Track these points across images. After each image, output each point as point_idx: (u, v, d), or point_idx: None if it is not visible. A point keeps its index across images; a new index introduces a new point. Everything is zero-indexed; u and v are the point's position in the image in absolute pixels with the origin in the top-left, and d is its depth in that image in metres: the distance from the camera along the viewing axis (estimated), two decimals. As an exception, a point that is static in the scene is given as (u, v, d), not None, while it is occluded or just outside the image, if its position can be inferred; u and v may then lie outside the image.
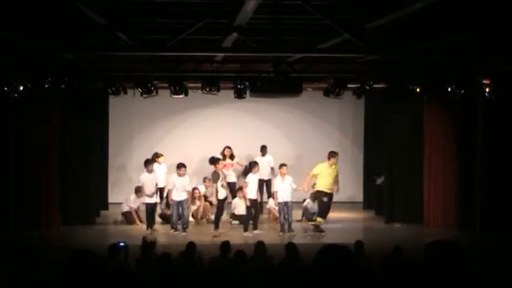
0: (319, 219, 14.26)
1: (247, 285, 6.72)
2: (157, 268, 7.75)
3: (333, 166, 14.28)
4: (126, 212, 15.32)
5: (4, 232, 13.48)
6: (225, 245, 9.20)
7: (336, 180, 14.34)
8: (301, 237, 13.86)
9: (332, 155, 14.35)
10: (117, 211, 16.27)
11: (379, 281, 3.89)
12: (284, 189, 13.96)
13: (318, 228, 14.18)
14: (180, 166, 14.29)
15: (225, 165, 16.16)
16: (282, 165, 14.23)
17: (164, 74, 13.31)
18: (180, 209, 14.24)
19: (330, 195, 14.27)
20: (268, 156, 16.70)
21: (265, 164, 16.28)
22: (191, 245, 9.28)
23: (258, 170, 14.33)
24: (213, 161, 14.92)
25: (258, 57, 12.25)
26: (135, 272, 7.94)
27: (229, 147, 16.36)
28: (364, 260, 8.55)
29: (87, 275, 3.67)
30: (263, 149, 16.86)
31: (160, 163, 15.73)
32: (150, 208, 14.46)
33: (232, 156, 16.29)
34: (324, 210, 14.26)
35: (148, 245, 8.98)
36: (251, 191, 14.09)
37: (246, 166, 14.83)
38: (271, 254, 9.18)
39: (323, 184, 14.19)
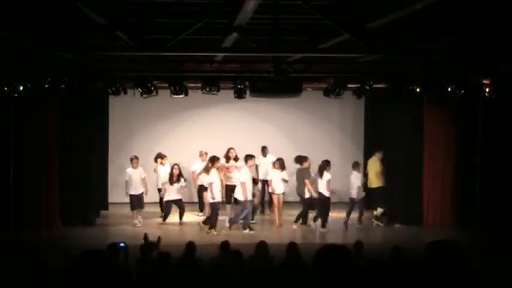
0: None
1: (247, 285, 6.72)
2: (157, 268, 7.74)
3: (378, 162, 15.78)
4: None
5: (4, 232, 13.49)
6: (225, 244, 9.19)
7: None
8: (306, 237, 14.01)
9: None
10: (117, 211, 16.28)
11: (378, 281, 3.90)
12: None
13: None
14: (252, 157, 14.90)
15: (228, 168, 15.85)
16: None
17: (164, 74, 13.30)
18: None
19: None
20: (269, 157, 16.65)
21: (266, 165, 16.31)
22: (191, 245, 9.27)
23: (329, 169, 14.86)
24: (300, 159, 15.22)
25: (258, 57, 12.25)
26: (135, 272, 7.94)
27: (233, 149, 16.17)
28: (363, 260, 8.54)
29: (98, 275, 3.66)
30: (264, 150, 16.91)
31: (164, 164, 15.67)
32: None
33: (236, 158, 15.95)
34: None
35: (148, 244, 8.97)
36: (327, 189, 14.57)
37: (320, 165, 14.75)
38: (272, 253, 9.16)
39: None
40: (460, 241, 3.87)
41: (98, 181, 16.09)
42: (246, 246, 9.88)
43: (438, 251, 3.58)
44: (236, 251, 8.33)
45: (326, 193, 14.55)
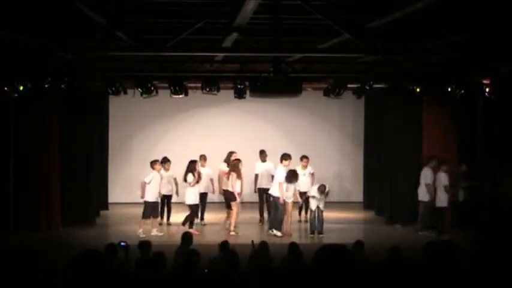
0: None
1: (247, 285, 6.72)
2: (155, 268, 7.73)
3: None
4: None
5: (4, 232, 13.49)
6: (224, 245, 9.18)
7: None
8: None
9: None
10: (117, 211, 16.26)
11: (377, 281, 3.89)
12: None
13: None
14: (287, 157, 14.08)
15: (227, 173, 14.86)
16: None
17: (164, 74, 13.31)
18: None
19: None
20: (269, 163, 15.33)
21: (266, 172, 15.19)
22: (186, 235, 9.39)
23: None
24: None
25: (258, 57, 12.24)
26: (135, 272, 7.93)
27: (235, 153, 14.90)
28: (363, 259, 8.54)
29: (95, 275, 3.67)
30: (262, 154, 15.55)
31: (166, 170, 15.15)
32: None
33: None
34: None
35: (144, 245, 8.94)
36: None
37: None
38: (272, 254, 9.15)
39: None
40: (460, 241, 3.87)
41: (98, 181, 16.09)
42: (246, 246, 9.88)
43: (437, 250, 3.58)
44: (233, 252, 8.31)
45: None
